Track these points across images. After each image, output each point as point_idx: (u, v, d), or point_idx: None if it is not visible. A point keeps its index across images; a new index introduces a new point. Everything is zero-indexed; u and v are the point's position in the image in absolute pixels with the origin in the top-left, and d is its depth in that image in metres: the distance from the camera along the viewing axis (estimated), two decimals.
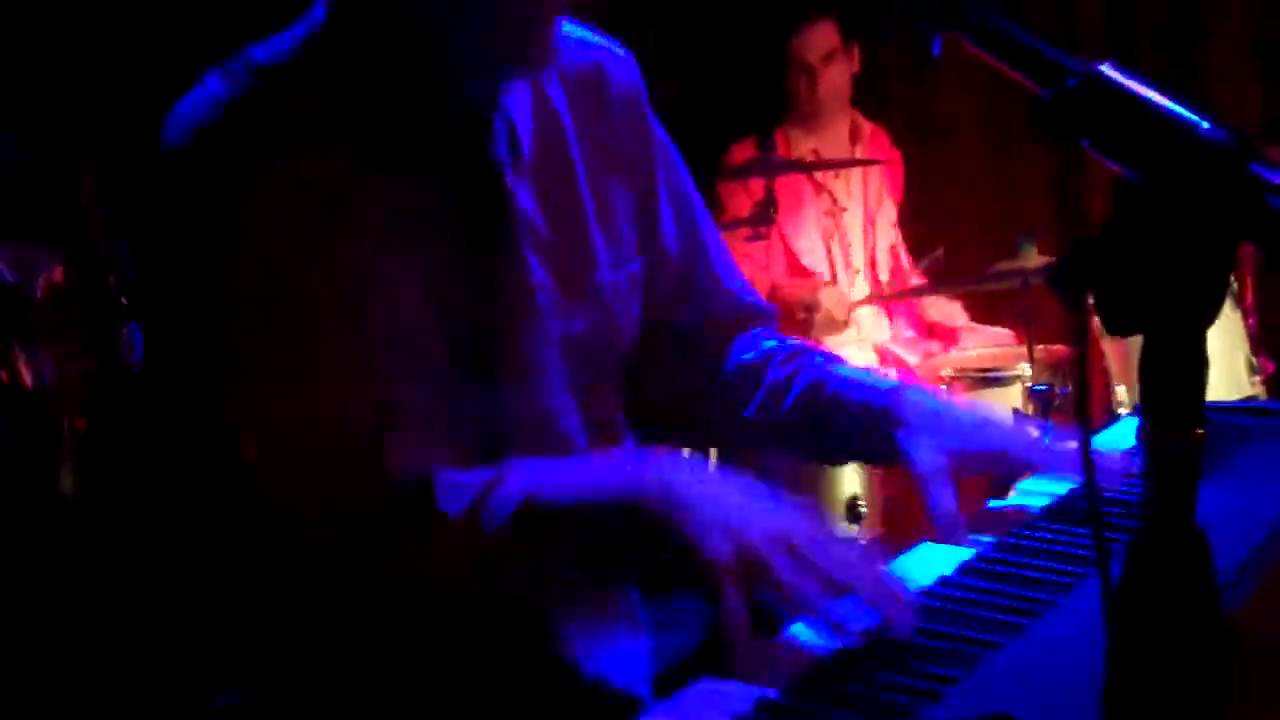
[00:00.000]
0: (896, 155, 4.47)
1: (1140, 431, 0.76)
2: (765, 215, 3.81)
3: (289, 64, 1.49)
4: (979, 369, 3.81)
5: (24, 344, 2.58)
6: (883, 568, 1.36)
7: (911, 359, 4.14)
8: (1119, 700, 0.77)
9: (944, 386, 3.80)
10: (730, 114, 4.36)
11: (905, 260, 4.41)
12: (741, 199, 4.02)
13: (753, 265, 3.98)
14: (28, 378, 2.58)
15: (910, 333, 4.32)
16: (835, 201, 4.27)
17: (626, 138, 1.70)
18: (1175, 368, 0.74)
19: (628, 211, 1.70)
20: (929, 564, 1.49)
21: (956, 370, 3.85)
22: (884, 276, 4.34)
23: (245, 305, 1.41)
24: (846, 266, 4.25)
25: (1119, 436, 2.11)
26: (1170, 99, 0.76)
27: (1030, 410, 3.40)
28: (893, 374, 3.94)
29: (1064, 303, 0.68)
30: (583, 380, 1.62)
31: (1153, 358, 0.75)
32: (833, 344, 4.07)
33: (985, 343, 4.10)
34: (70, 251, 2.81)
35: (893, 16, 4.29)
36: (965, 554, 1.51)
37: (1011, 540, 1.57)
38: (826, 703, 1.20)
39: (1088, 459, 0.84)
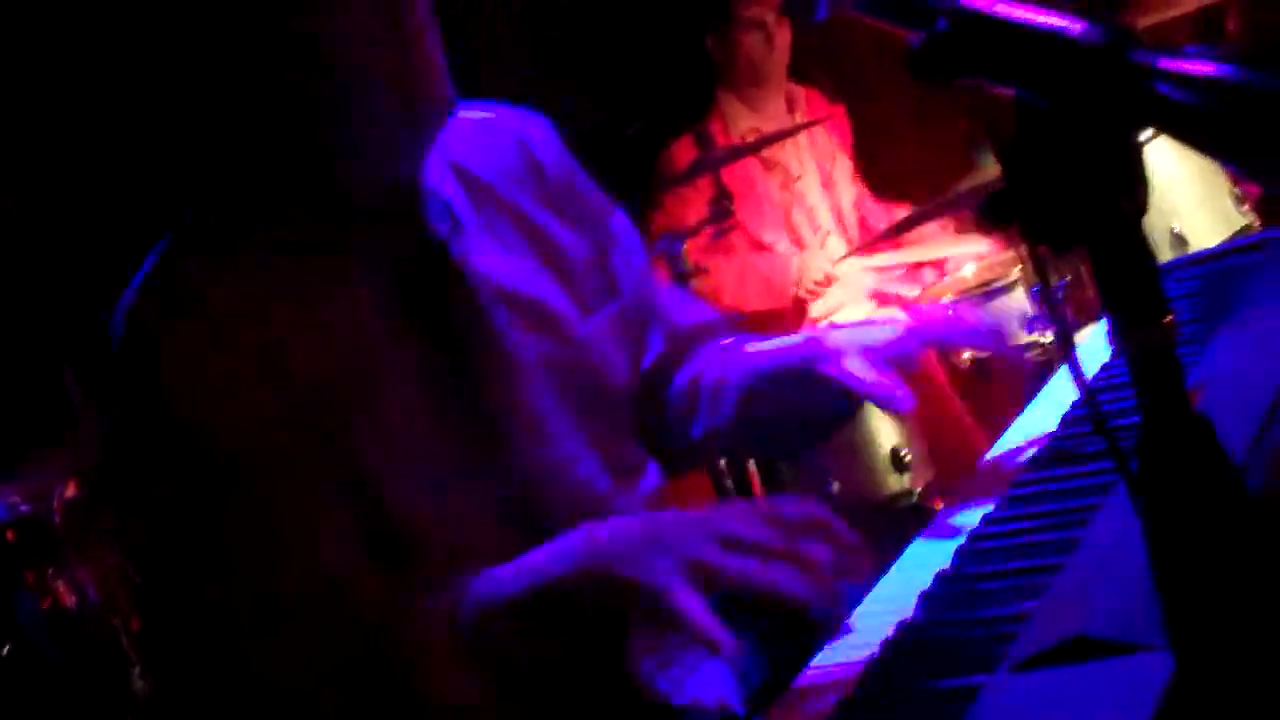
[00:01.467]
0: (838, 109, 4.46)
1: (1112, 335, 0.76)
2: (724, 209, 3.79)
3: (197, 222, 1.53)
4: (978, 284, 3.79)
5: (58, 568, 2.60)
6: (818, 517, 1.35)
7: (911, 292, 4.13)
8: (1173, 596, 0.77)
9: (950, 313, 3.79)
10: (656, 118, 4.34)
11: (872, 208, 4.39)
12: (693, 202, 3.99)
13: (718, 279, 3.96)
14: (70, 599, 2.60)
15: (900, 270, 4.30)
16: (788, 172, 4.25)
17: (564, 196, 1.74)
18: (1121, 265, 0.74)
19: (586, 262, 1.72)
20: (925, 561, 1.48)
21: (957, 293, 3.83)
22: (854, 230, 4.33)
23: (208, 479, 1.42)
24: (815, 231, 4.23)
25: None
26: (1037, 10, 0.76)
27: (1038, 310, 3.39)
28: (897, 313, 3.94)
29: (996, 235, 0.67)
30: (590, 426, 1.64)
31: (1099, 262, 0.74)
32: (830, 306, 4.05)
33: (975, 257, 4.08)
34: (75, 461, 2.83)
35: None
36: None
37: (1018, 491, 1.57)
38: (909, 678, 1.20)
39: (1079, 376, 0.83)
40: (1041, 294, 3.23)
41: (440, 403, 1.54)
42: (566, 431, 1.61)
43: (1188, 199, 3.45)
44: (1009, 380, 3.17)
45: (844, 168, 4.37)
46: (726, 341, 1.88)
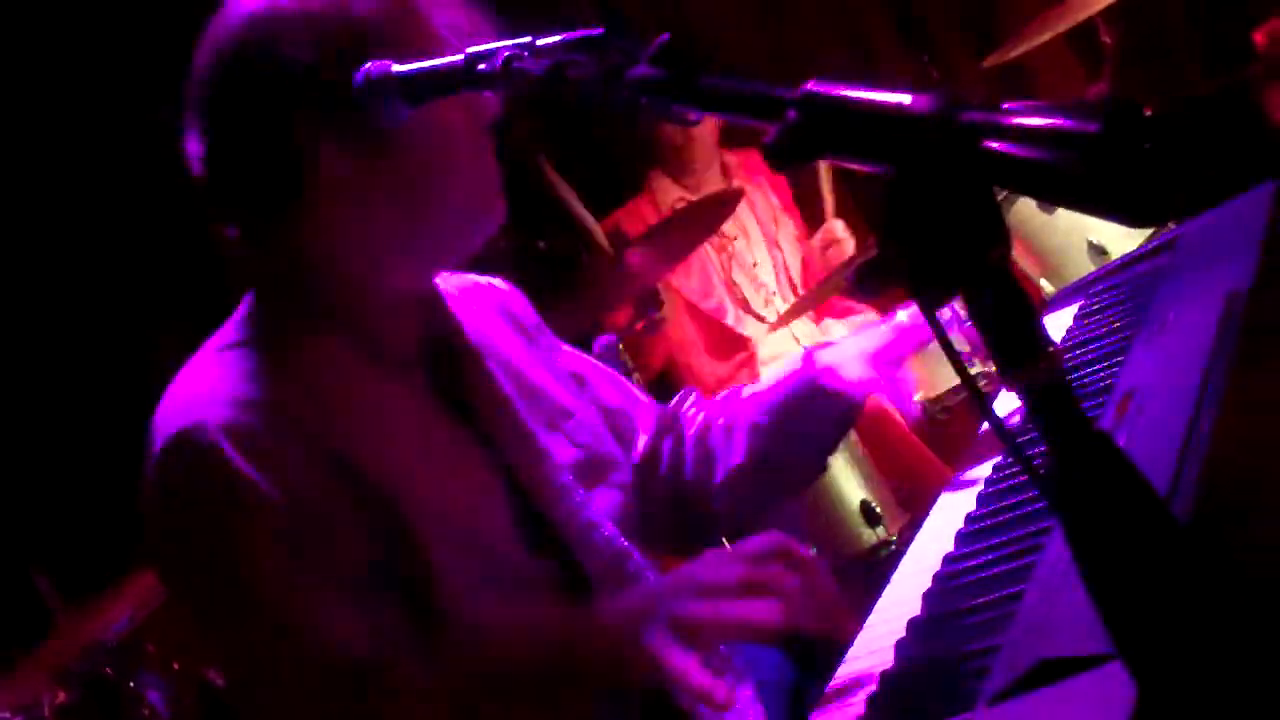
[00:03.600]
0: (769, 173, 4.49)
1: (1001, 377, 0.80)
2: (652, 303, 3.82)
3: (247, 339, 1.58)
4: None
5: None
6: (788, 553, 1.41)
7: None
8: (1110, 612, 0.80)
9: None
10: (566, 226, 4.38)
11: (818, 265, 4.40)
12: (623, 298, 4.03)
13: (664, 354, 4.00)
14: None
15: (841, 328, 4.34)
16: (724, 234, 4.23)
17: (537, 333, 1.90)
18: (998, 310, 0.78)
19: (557, 385, 1.84)
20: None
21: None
22: (802, 289, 4.33)
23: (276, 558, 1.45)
24: (758, 290, 4.24)
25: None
26: (876, 88, 0.80)
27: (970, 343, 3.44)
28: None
29: (871, 302, 0.71)
30: (605, 503, 1.75)
31: (975, 309, 0.79)
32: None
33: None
34: (60, 666, 2.83)
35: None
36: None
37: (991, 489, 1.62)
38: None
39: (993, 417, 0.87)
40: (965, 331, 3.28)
41: (476, 478, 1.62)
42: (589, 497, 1.71)
43: None
44: (962, 413, 3.22)
45: (788, 231, 4.37)
46: (723, 394, 2.00)
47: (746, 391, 1.98)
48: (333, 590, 1.45)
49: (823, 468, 2.07)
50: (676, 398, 2.03)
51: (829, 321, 4.30)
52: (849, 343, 1.94)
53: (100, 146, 3.92)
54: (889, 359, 1.91)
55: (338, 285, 1.60)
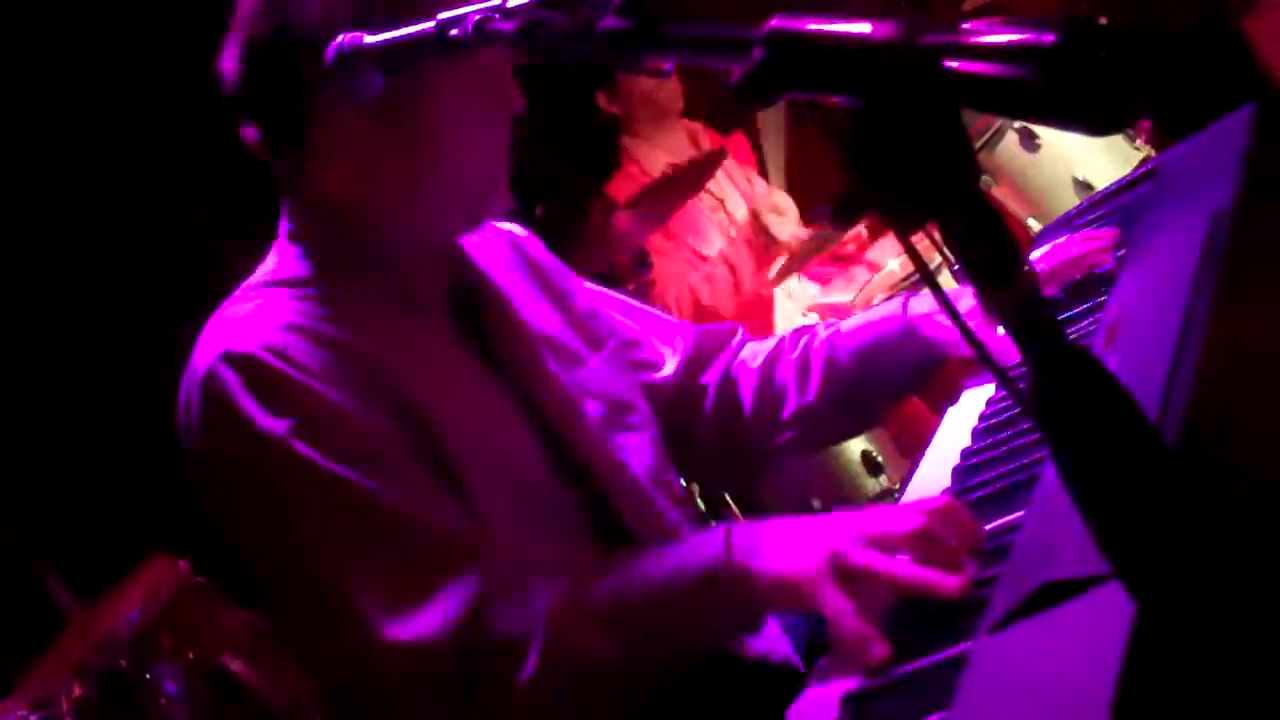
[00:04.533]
0: (736, 135, 4.52)
1: (979, 301, 0.80)
2: (642, 264, 3.85)
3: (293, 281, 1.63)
4: (905, 276, 3.85)
5: None
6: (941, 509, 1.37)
7: (845, 298, 4.18)
8: (1103, 534, 0.81)
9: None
10: (560, 193, 4.39)
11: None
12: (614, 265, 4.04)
13: (669, 298, 4.01)
14: None
15: (840, 282, 4.35)
16: (713, 195, 4.29)
17: (554, 276, 1.93)
18: (972, 232, 0.79)
19: (570, 331, 1.87)
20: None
21: (888, 289, 3.90)
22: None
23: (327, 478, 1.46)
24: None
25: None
26: (839, 20, 0.81)
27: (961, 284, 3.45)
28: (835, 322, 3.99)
29: (843, 230, 0.72)
30: (633, 444, 1.77)
31: (949, 233, 0.79)
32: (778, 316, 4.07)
33: (895, 249, 4.14)
34: (75, 662, 2.84)
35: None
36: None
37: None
38: (903, 657, 1.24)
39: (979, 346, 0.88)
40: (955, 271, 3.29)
41: (508, 419, 1.66)
42: (614, 441, 1.74)
43: (1083, 145, 3.53)
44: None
45: (761, 189, 4.43)
46: (797, 331, 2.01)
47: (824, 330, 1.97)
48: (405, 487, 1.46)
49: (885, 414, 2.07)
50: (720, 331, 2.03)
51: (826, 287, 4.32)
52: (955, 293, 1.93)
53: (98, 147, 3.92)
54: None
55: (358, 231, 1.64)
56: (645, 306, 2.04)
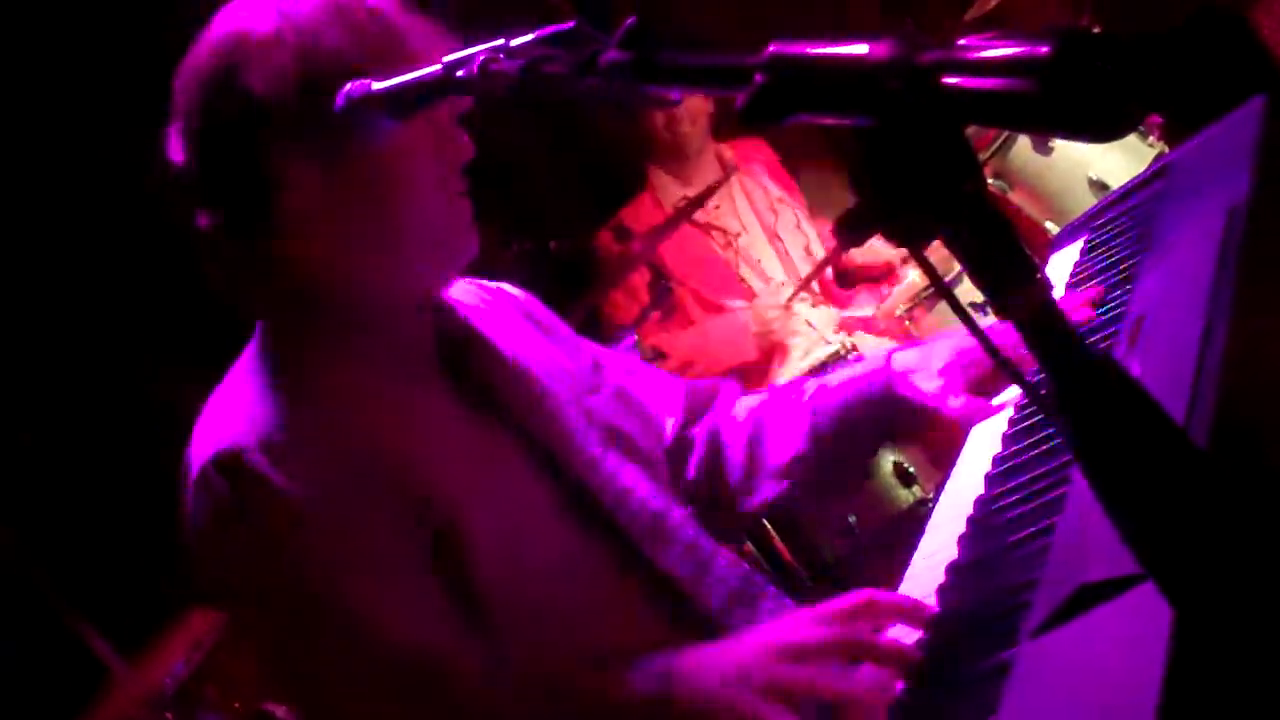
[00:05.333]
0: (763, 151, 4.50)
1: (994, 311, 0.80)
2: (663, 290, 3.86)
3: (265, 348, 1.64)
4: (925, 287, 3.85)
5: None
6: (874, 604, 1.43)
7: (867, 311, 4.17)
8: (1133, 534, 0.81)
9: (907, 322, 3.85)
10: (579, 226, 4.41)
11: (823, 246, 4.39)
12: (634, 291, 4.05)
13: (681, 354, 4.00)
14: None
15: (865, 297, 4.34)
16: (727, 232, 4.26)
17: (554, 330, 1.95)
18: (981, 243, 0.79)
19: (579, 368, 1.90)
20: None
21: (909, 301, 3.90)
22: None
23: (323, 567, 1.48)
24: (766, 283, 4.25)
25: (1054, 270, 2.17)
26: (836, 41, 0.82)
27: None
28: (863, 337, 3.98)
29: (853, 246, 0.72)
30: (637, 466, 1.79)
31: (958, 243, 0.79)
32: (807, 346, 4.05)
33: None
34: (117, 716, 2.87)
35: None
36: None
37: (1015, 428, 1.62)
38: (947, 668, 1.24)
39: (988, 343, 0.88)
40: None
41: (509, 464, 1.66)
42: (620, 465, 1.75)
43: (1096, 146, 3.52)
44: None
45: (787, 220, 4.38)
46: (788, 385, 2.03)
47: (811, 386, 1.99)
48: (392, 585, 1.48)
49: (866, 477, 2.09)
50: (708, 388, 2.05)
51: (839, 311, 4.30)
52: (936, 346, 1.91)
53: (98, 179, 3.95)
54: (969, 362, 1.87)
55: (338, 296, 1.63)
56: (645, 368, 2.07)
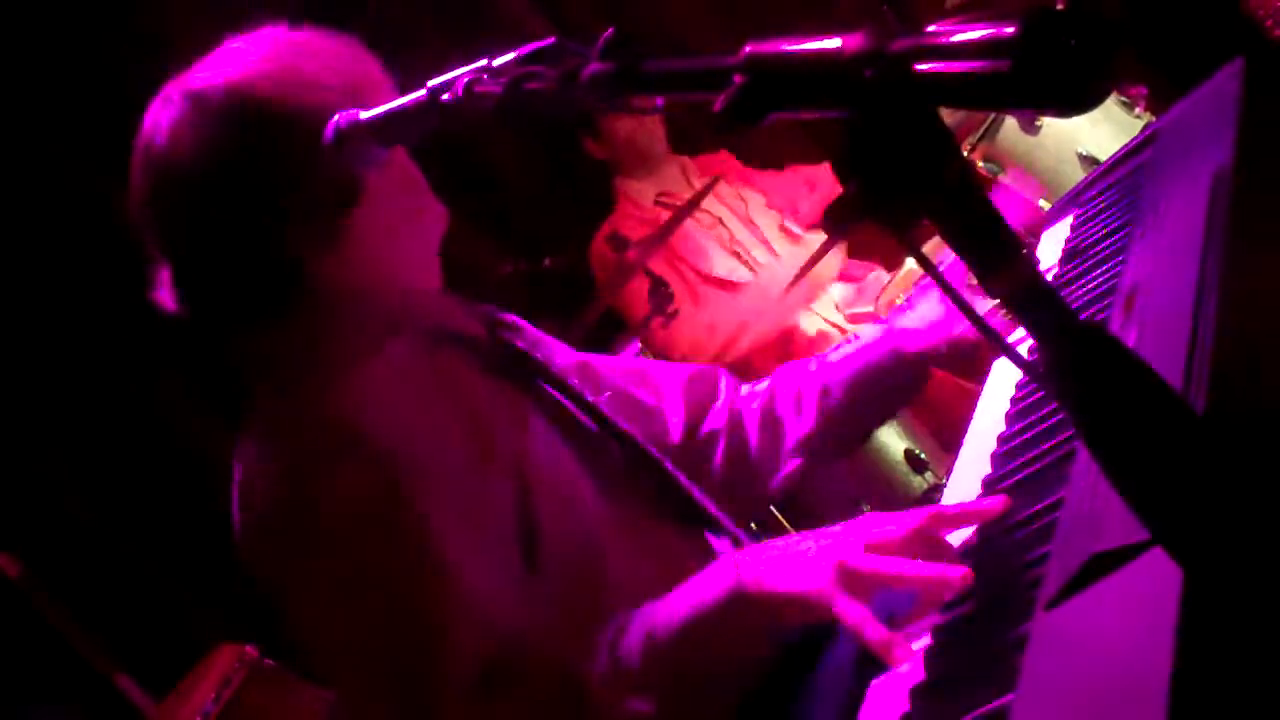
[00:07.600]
0: (720, 153, 4.55)
1: (983, 289, 0.82)
2: (664, 296, 3.88)
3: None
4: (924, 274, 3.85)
5: None
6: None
7: (868, 307, 4.18)
8: (1139, 501, 0.82)
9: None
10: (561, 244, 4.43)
11: (806, 216, 4.42)
12: (634, 297, 4.07)
13: (693, 340, 4.02)
14: None
15: (855, 287, 4.36)
16: (711, 215, 4.30)
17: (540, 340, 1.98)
18: (964, 220, 0.81)
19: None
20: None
21: (908, 288, 3.90)
22: (784, 252, 4.36)
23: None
24: (757, 261, 4.29)
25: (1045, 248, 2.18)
26: (807, 39, 0.83)
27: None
28: (868, 328, 3.98)
29: (839, 236, 0.74)
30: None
31: (941, 223, 0.81)
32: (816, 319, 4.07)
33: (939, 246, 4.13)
34: None
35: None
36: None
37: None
38: (965, 643, 1.25)
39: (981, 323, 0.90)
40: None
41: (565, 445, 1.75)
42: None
43: (1083, 120, 3.53)
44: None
45: (757, 203, 4.43)
46: (793, 363, 2.07)
47: (816, 363, 2.03)
48: (479, 533, 1.53)
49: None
50: (707, 377, 2.07)
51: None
52: (923, 304, 2.00)
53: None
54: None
55: (386, 297, 1.70)
56: (647, 370, 2.08)
